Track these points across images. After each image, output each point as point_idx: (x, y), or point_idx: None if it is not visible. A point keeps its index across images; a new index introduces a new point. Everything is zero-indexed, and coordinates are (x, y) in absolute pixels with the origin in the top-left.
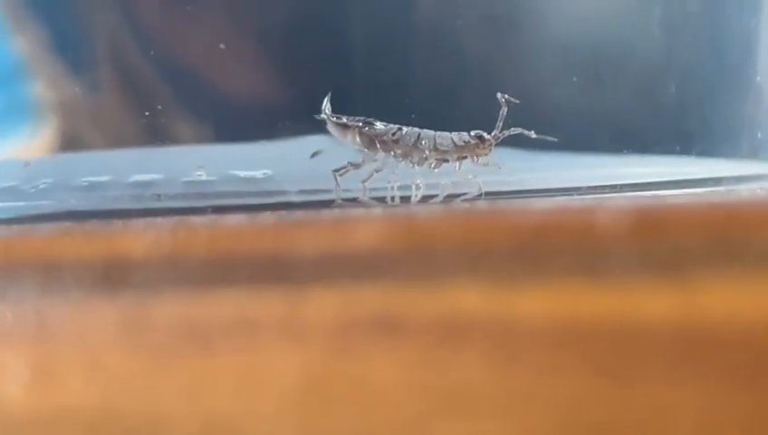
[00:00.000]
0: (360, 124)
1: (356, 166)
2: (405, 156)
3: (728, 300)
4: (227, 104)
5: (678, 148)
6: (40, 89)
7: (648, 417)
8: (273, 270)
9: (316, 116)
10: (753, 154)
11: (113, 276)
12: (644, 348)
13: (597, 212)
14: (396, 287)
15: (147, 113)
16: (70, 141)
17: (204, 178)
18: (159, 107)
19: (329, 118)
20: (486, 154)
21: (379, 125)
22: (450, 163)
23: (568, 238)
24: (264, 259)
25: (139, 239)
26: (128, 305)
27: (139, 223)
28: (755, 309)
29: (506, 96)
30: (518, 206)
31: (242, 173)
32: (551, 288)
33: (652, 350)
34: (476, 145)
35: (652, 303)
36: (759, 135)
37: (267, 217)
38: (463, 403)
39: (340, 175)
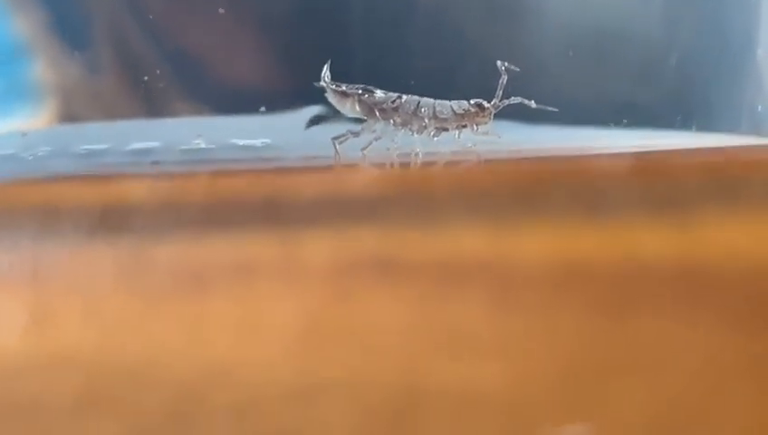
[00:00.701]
0: (360, 92)
1: (355, 134)
2: (404, 124)
3: (728, 238)
4: (227, 76)
5: (679, 120)
6: (40, 69)
7: (649, 354)
8: (271, 213)
9: (315, 84)
10: (753, 128)
11: (111, 221)
12: (644, 286)
13: (596, 154)
14: (394, 229)
15: (145, 83)
16: (70, 120)
17: (202, 145)
18: (156, 83)
19: (328, 85)
20: (486, 123)
21: (378, 93)
22: (450, 132)
23: (567, 178)
24: (261, 203)
25: (138, 184)
26: (126, 249)
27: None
28: (755, 247)
29: (506, 64)
30: (517, 153)
31: (240, 141)
32: (550, 228)
33: (652, 288)
34: (476, 113)
35: (652, 242)
36: (759, 108)
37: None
38: (462, 344)
39: (340, 143)
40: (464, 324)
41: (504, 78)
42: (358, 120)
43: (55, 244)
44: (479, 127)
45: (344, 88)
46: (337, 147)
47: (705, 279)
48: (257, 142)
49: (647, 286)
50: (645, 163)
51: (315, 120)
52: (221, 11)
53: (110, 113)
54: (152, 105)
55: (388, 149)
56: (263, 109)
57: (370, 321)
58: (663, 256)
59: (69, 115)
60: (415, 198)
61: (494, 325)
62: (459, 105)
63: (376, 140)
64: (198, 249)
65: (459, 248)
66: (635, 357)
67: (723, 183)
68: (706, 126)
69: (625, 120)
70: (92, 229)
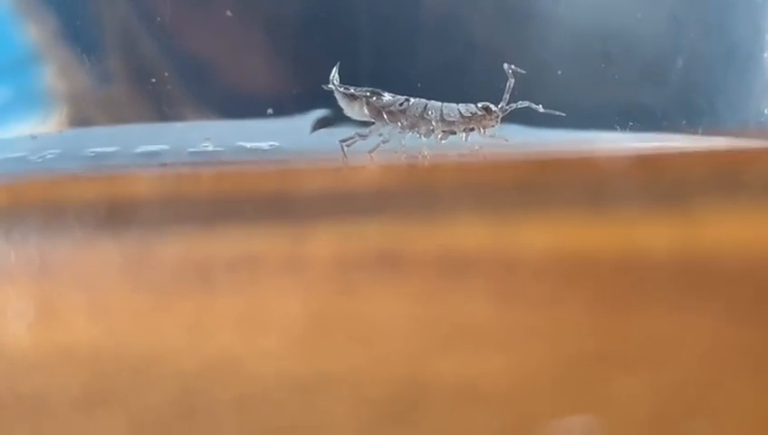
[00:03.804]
0: (368, 94)
1: (363, 136)
2: (412, 127)
3: (728, 232)
4: (235, 80)
5: (685, 124)
6: (50, 74)
7: (651, 346)
8: (276, 208)
9: (324, 86)
10: (760, 131)
11: (116, 215)
12: (646, 279)
13: (599, 148)
14: (398, 223)
15: (153, 86)
16: (79, 124)
17: (210, 148)
18: (167, 82)
19: (337, 88)
20: (493, 126)
21: (386, 96)
22: (457, 135)
23: (569, 172)
24: (267, 197)
25: (143, 179)
26: (131, 244)
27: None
28: (754, 241)
29: (513, 67)
30: (520, 145)
31: (248, 144)
32: (552, 221)
33: (654, 281)
34: (483, 116)
35: (653, 235)
36: (766, 111)
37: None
38: (466, 337)
39: (348, 145)
40: (467, 318)
41: (512, 81)
42: (364, 123)
43: (61, 239)
44: (486, 130)
45: (353, 91)
46: (344, 149)
47: (707, 272)
48: (265, 145)
49: (649, 279)
50: (647, 158)
51: (322, 123)
52: (228, 14)
53: (119, 117)
54: (160, 109)
55: (395, 151)
56: (270, 111)
57: (375, 314)
58: (665, 248)
59: (78, 119)
60: (419, 192)
61: (497, 319)
62: (467, 108)
63: (383, 142)
64: (203, 244)
65: (463, 242)
66: (638, 349)
67: (724, 176)
68: (713, 129)
69: (631, 123)
70: (98, 225)
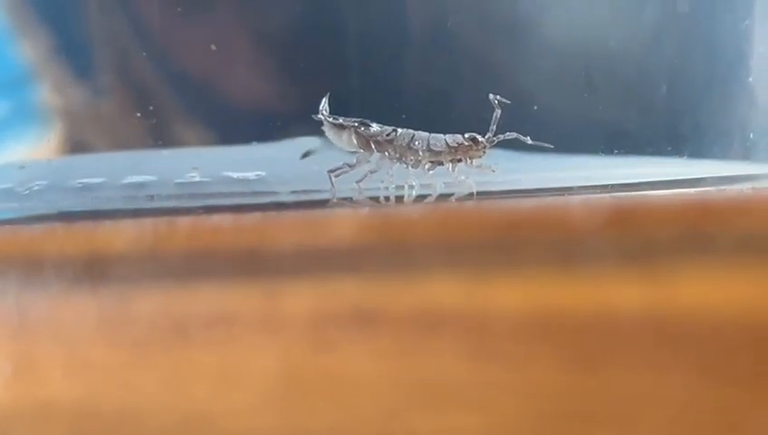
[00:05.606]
0: (356, 124)
1: (351, 166)
2: (399, 157)
3: (699, 291)
4: (223, 108)
5: (670, 149)
6: (45, 94)
7: (621, 405)
8: (252, 264)
9: (313, 116)
10: (745, 155)
11: (94, 271)
12: (617, 338)
13: (570, 206)
14: (372, 280)
15: (142, 116)
16: (73, 146)
17: (197, 179)
18: (154, 111)
19: (326, 118)
20: (480, 156)
21: (374, 126)
22: (444, 165)
23: (542, 231)
24: (242, 254)
25: (120, 234)
26: (108, 300)
27: (123, 220)
28: (725, 300)
29: (498, 97)
30: (493, 201)
31: (235, 174)
32: (525, 280)
33: (625, 340)
34: (470, 147)
35: (625, 294)
36: (751, 136)
37: (247, 214)
38: (439, 394)
39: (336, 175)
40: (442, 376)
41: (498, 112)
42: (351, 154)
43: (38, 293)
44: (473, 160)
45: (341, 121)
46: (333, 179)
47: (677, 331)
48: (251, 175)
49: (621, 338)
50: (619, 214)
51: (309, 153)
52: (213, 48)
53: (107, 146)
54: (148, 139)
55: (382, 181)
56: (254, 143)
57: (350, 371)
58: (636, 307)
59: (66, 147)
60: (393, 248)
61: (471, 377)
62: (453, 139)
63: (371, 172)
64: (180, 299)
65: (437, 299)
66: (609, 408)
67: (695, 235)
68: (698, 154)
69: (616, 151)
70: (75, 279)
